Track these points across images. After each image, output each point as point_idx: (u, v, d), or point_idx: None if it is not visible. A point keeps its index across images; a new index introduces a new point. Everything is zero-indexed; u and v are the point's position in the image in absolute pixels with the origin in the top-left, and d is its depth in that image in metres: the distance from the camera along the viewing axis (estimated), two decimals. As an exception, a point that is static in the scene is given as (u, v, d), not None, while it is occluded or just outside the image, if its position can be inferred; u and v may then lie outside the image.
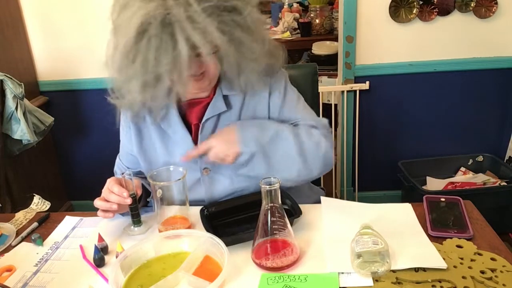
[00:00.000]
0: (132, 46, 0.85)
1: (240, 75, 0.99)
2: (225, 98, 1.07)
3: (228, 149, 1.00)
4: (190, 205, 1.05)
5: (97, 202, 0.99)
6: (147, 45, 0.84)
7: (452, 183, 2.20)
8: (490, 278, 0.81)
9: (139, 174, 1.18)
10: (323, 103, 2.31)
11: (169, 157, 1.11)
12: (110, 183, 1.00)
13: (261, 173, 1.00)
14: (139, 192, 1.04)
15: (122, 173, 1.00)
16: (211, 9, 0.84)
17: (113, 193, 0.98)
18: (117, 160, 1.24)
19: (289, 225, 0.89)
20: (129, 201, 0.98)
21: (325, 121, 1.13)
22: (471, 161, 2.34)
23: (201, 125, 1.07)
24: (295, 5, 3.53)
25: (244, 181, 1.09)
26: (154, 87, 0.91)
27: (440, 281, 0.81)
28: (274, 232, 0.87)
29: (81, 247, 1.00)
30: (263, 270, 0.87)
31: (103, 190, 1.00)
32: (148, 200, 1.16)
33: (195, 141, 1.08)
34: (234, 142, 1.00)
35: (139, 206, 1.10)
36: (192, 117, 1.09)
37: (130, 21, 0.84)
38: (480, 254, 0.88)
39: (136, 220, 1.04)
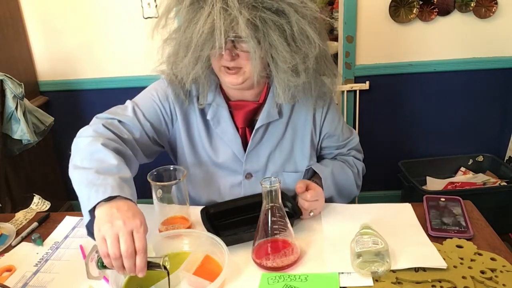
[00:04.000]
0: (178, 9, 0.94)
1: (285, 88, 0.98)
2: (278, 106, 1.08)
3: (321, 208, 1.07)
4: None
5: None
6: (183, 11, 0.92)
7: (452, 183, 2.19)
8: (490, 278, 0.81)
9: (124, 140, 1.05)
10: (323, 103, 2.31)
11: (213, 154, 1.11)
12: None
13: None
14: None
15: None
16: (250, 0, 0.85)
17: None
18: (130, 113, 1.09)
19: (289, 225, 0.89)
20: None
21: (357, 138, 1.25)
22: (471, 161, 2.34)
23: (254, 131, 1.08)
24: (295, 5, 3.52)
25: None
26: (186, 55, 0.95)
27: (440, 281, 0.81)
28: (275, 232, 0.87)
29: (81, 247, 1.00)
30: (263, 270, 0.87)
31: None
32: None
33: (243, 144, 1.09)
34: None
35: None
36: (238, 120, 1.09)
37: None
38: (480, 254, 0.88)
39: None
